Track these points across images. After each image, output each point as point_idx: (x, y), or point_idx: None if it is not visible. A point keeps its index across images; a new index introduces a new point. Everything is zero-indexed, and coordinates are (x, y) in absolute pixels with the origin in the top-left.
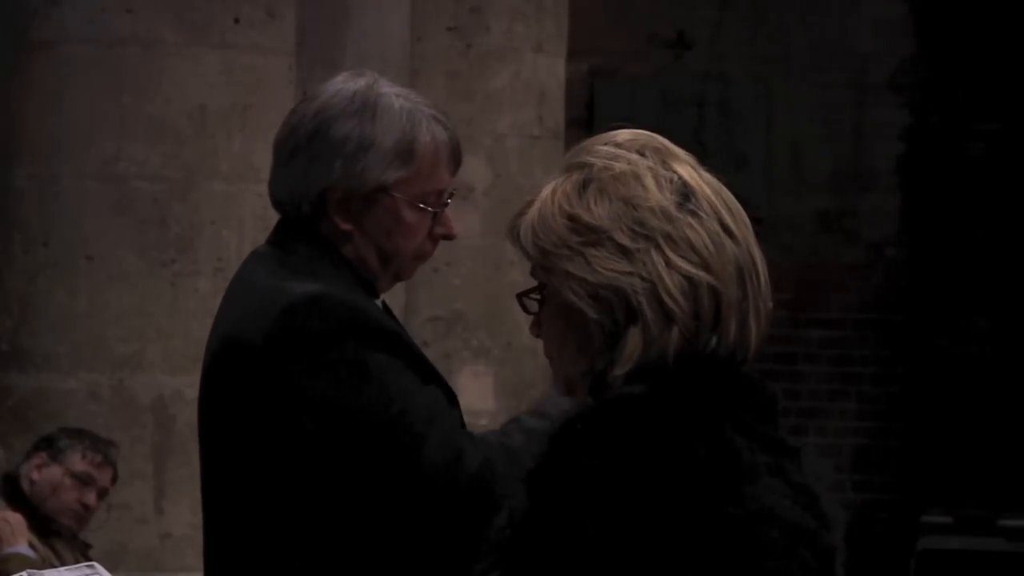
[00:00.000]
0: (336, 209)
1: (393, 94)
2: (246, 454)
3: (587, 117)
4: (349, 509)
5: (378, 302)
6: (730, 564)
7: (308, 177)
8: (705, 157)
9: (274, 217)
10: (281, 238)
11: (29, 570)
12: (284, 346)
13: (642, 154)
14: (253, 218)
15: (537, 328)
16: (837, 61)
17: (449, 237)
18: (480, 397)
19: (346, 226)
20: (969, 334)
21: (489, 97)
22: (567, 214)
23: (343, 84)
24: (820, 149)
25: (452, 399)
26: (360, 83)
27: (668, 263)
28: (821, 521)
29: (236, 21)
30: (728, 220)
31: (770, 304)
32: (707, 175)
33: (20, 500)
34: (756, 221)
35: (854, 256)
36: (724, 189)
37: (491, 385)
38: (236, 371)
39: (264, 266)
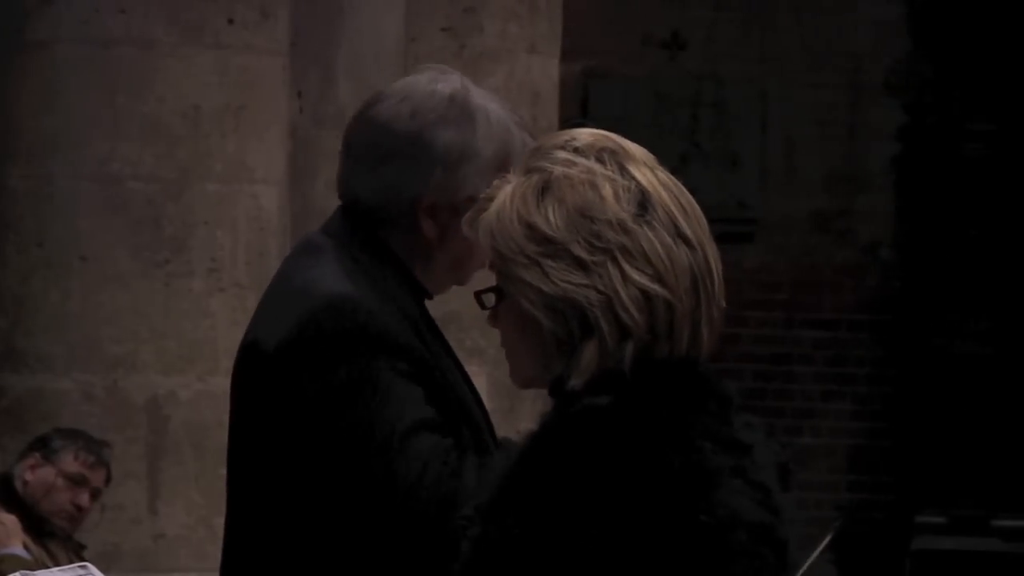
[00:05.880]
0: (425, 215)
1: (487, 100)
2: (255, 454)
3: (581, 117)
4: (329, 512)
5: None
6: (702, 570)
7: (402, 181)
8: (700, 158)
9: (267, 219)
10: (337, 228)
11: (23, 571)
12: (296, 353)
13: (600, 160)
14: (247, 219)
15: (494, 320)
16: (832, 61)
17: None
18: None
19: (431, 233)
20: (964, 335)
21: None
22: (525, 222)
23: (434, 86)
24: (815, 149)
25: (465, 411)
26: (452, 85)
27: (624, 277)
28: (775, 514)
29: (230, 22)
30: (684, 225)
31: (723, 304)
32: (664, 176)
33: (14, 501)
34: (750, 222)
35: (848, 256)
36: (682, 191)
37: (484, 385)
38: (252, 376)
39: (306, 259)
